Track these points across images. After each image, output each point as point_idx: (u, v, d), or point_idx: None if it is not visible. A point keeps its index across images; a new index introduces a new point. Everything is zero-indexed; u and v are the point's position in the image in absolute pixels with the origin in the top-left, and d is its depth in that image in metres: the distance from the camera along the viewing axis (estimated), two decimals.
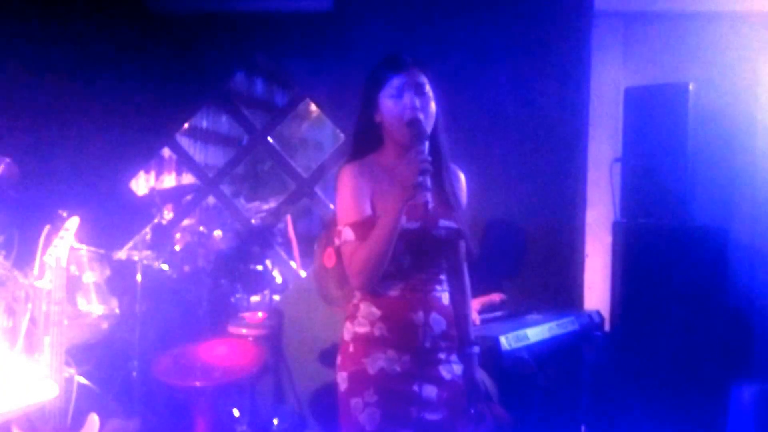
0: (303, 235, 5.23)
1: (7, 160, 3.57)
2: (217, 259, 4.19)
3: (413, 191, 1.99)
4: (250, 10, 4.23)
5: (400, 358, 2.11)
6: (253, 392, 3.93)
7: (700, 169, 3.69)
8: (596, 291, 3.98)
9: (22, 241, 3.57)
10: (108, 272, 3.89)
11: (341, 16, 4.12)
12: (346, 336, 2.19)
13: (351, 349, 2.16)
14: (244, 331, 3.95)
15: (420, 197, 1.99)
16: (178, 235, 4.62)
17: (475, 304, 3.45)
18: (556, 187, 4.02)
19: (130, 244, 4.21)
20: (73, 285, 3.62)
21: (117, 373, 3.80)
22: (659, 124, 3.62)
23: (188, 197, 4.82)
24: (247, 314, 4.12)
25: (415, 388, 2.10)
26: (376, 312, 2.13)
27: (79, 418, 3.01)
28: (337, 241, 2.16)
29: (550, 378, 3.30)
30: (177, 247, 4.41)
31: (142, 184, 6.20)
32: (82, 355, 3.51)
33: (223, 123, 7.68)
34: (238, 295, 4.26)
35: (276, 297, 4.34)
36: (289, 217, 4.92)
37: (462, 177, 2.32)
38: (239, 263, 4.17)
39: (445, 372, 2.16)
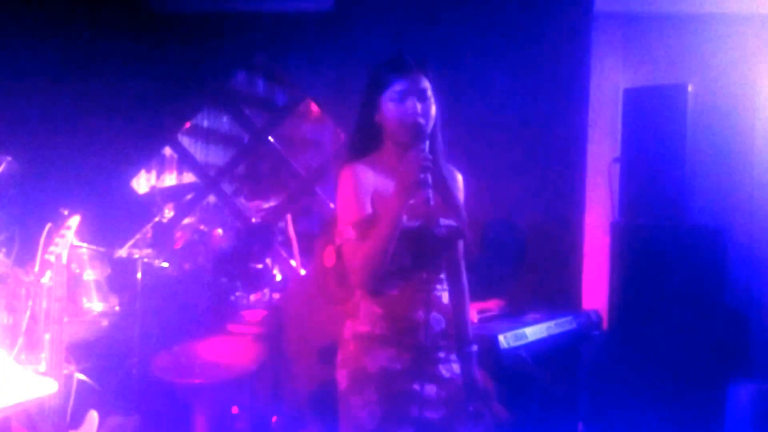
0: (303, 234, 5.23)
1: (9, 158, 3.59)
2: (217, 258, 4.21)
3: (414, 189, 2.00)
4: (251, 9, 4.24)
5: (401, 356, 2.12)
6: (253, 390, 3.94)
7: (699, 170, 3.70)
8: (595, 290, 3.99)
9: (23, 238, 3.59)
10: (108, 270, 3.91)
11: (342, 15, 4.13)
12: (347, 334, 2.20)
13: (352, 347, 2.17)
14: (244, 329, 3.97)
15: (421, 195, 2.01)
16: (178, 234, 4.64)
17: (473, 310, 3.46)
18: (555, 187, 4.03)
19: (131, 242, 4.22)
20: (73, 283, 3.64)
21: (117, 371, 3.80)
22: (658, 125, 3.63)
23: (189, 196, 4.83)
24: (247, 312, 4.13)
25: (416, 386, 2.11)
26: (377, 310, 2.14)
27: (79, 415, 3.02)
28: (338, 240, 2.17)
29: (548, 377, 3.31)
30: (177, 246, 4.42)
31: (143, 182, 6.21)
32: (82, 352, 3.53)
33: (224, 122, 7.69)
34: (238, 294, 4.27)
35: (276, 295, 4.35)
36: (289, 216, 4.93)
37: (459, 177, 2.33)
38: (239, 262, 4.18)
39: (444, 371, 2.17)
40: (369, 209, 2.13)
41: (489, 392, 2.31)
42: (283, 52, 4.27)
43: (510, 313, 3.55)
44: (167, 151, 5.72)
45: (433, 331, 2.14)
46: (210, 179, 4.86)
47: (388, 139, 2.20)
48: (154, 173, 6.83)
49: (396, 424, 2.09)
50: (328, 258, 2.25)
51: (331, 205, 4.27)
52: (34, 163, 4.06)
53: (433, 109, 2.18)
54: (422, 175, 1.99)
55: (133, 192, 4.73)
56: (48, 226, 3.12)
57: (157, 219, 4.08)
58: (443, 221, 2.16)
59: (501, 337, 3.11)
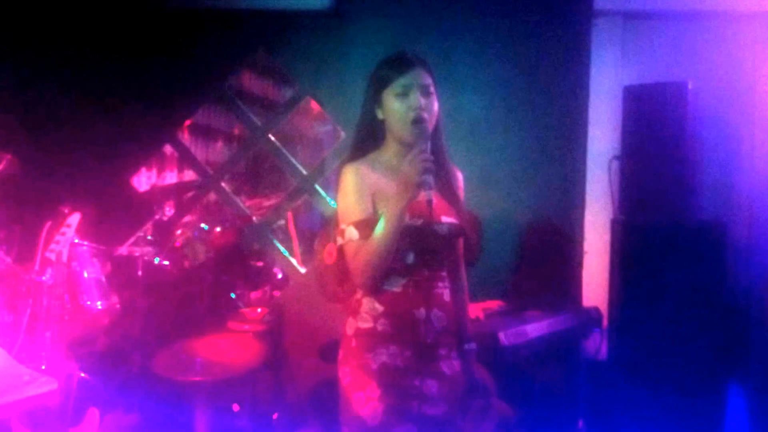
0: (304, 232, 5.24)
1: (9, 156, 3.59)
2: (217, 256, 4.21)
3: (416, 190, 2.00)
4: (251, 7, 4.24)
5: (402, 353, 2.13)
6: (254, 387, 3.94)
7: (699, 168, 3.71)
8: (595, 287, 3.99)
9: (24, 236, 3.59)
10: (109, 268, 3.91)
11: (342, 13, 4.13)
12: (349, 331, 2.20)
13: (353, 344, 2.18)
14: (244, 326, 3.97)
15: (423, 195, 2.01)
16: (179, 232, 4.64)
17: (479, 309, 3.47)
18: (555, 184, 4.03)
19: (132, 240, 4.22)
20: (74, 281, 3.64)
21: (117, 368, 3.81)
22: (658, 123, 3.62)
23: (189, 194, 4.83)
24: (247, 310, 4.14)
25: (417, 382, 2.12)
26: (379, 308, 2.15)
27: (80, 413, 3.03)
28: (339, 240, 2.17)
29: (548, 374, 3.32)
30: (178, 244, 4.42)
31: (143, 180, 6.22)
32: (82, 350, 3.53)
33: (224, 120, 7.69)
34: (238, 291, 4.27)
35: (276, 293, 4.36)
36: (289, 214, 4.93)
37: (459, 175, 2.34)
38: (240, 259, 4.18)
39: (446, 367, 2.18)
40: (370, 210, 2.13)
41: (489, 389, 2.31)
42: (283, 50, 4.27)
43: (510, 310, 3.56)
44: (167, 148, 5.71)
45: (434, 328, 2.15)
46: (210, 177, 4.86)
47: (391, 137, 2.21)
48: (154, 171, 6.84)
49: (398, 420, 2.10)
50: (329, 256, 2.26)
51: (332, 203, 4.27)
52: (34, 160, 4.06)
53: (436, 106, 2.18)
54: (424, 176, 2.00)
55: (133, 190, 4.73)
56: (48, 224, 3.13)
57: (157, 217, 4.08)
58: (445, 219, 2.17)
59: (501, 334, 3.12)
